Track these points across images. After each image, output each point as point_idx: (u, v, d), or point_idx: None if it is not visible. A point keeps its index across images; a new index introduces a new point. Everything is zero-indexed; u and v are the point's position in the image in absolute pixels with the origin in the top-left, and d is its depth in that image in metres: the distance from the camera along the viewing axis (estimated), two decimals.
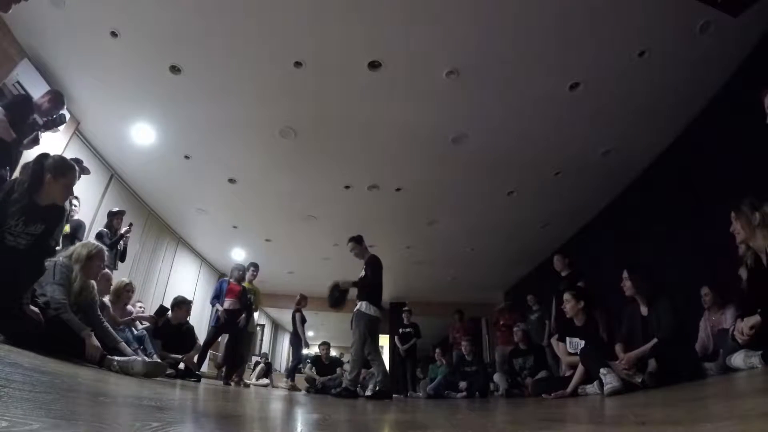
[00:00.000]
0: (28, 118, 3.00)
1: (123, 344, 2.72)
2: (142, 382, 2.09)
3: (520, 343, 5.07)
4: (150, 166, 5.42)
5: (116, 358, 2.41)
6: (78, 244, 2.74)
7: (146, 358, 2.79)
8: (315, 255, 8.22)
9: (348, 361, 5.36)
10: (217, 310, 5.12)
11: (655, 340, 2.57)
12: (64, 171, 2.17)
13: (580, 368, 2.95)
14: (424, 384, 6.48)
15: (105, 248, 2.84)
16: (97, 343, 2.34)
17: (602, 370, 2.56)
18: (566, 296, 3.47)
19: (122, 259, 4.61)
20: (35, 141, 3.16)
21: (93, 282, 2.69)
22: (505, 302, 8.14)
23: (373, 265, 4.10)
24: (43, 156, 2.16)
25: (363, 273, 4.11)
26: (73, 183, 2.26)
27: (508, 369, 5.26)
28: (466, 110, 4.34)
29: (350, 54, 3.73)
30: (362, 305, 3.93)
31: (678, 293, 3.28)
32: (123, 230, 4.51)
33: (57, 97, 3.33)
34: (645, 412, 1.29)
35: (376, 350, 3.99)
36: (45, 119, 3.20)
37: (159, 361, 3.06)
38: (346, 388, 3.86)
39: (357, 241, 4.29)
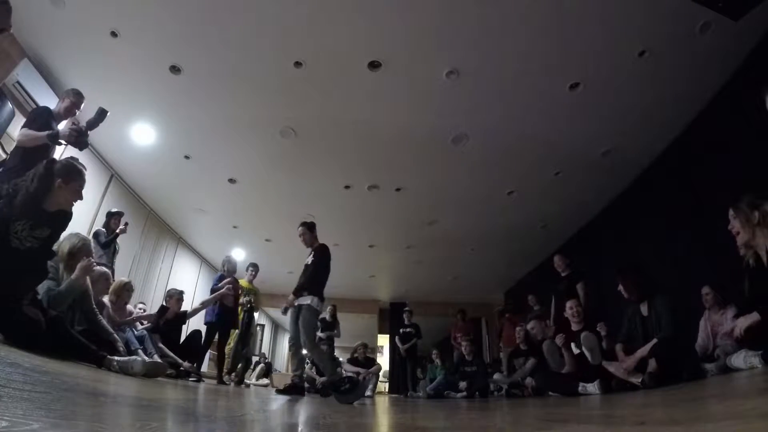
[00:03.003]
0: (51, 124, 2.90)
1: (115, 336, 2.80)
2: (142, 382, 2.10)
3: (521, 343, 5.07)
4: (150, 167, 5.42)
5: (116, 358, 2.41)
6: (63, 238, 2.60)
7: (146, 358, 2.79)
8: None
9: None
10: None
11: (655, 340, 2.57)
12: (74, 175, 2.16)
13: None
14: (424, 384, 6.48)
15: (91, 242, 2.80)
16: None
17: None
18: (569, 304, 3.72)
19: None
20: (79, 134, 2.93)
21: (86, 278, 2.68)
22: (506, 304, 8.11)
23: (320, 255, 3.78)
24: (51, 161, 2.16)
25: (308, 261, 3.80)
26: (82, 186, 2.23)
27: (509, 369, 5.26)
28: (466, 110, 4.34)
29: (350, 54, 3.73)
30: (306, 299, 3.56)
31: (678, 293, 3.28)
32: (118, 229, 4.46)
33: (72, 94, 3.16)
34: (645, 412, 1.29)
35: (313, 344, 3.66)
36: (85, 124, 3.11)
37: (159, 361, 3.06)
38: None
39: (308, 227, 3.96)
